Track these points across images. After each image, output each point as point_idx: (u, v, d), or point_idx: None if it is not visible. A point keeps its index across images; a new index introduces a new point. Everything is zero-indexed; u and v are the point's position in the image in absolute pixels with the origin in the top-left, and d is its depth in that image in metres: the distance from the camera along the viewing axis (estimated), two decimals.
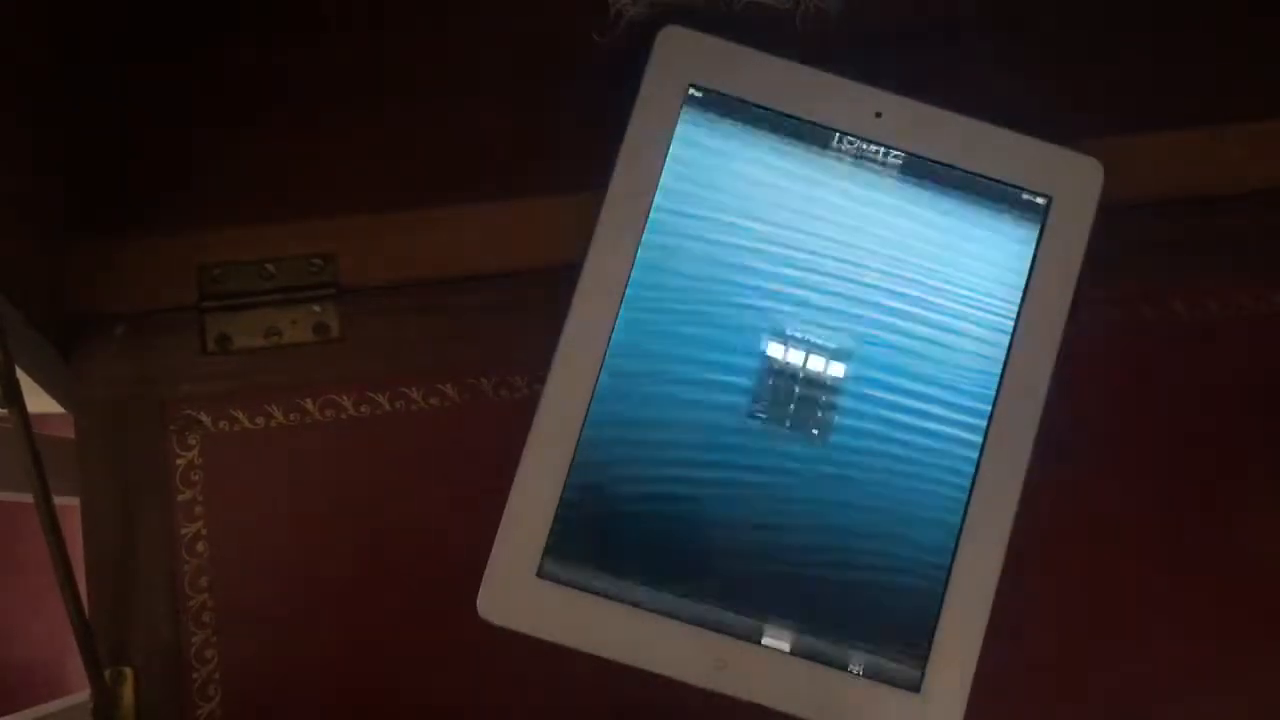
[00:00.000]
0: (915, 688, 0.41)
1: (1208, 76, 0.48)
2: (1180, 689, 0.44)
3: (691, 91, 0.44)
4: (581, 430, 0.42)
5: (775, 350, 0.43)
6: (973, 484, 0.42)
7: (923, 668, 0.41)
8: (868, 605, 0.41)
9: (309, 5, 0.47)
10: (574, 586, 0.41)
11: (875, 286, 0.43)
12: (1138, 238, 0.46)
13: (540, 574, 0.41)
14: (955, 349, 0.43)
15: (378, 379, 0.45)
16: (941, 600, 0.41)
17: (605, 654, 0.40)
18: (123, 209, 0.46)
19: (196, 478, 0.44)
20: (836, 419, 0.42)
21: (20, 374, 0.40)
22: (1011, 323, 0.43)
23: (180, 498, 0.44)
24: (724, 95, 0.44)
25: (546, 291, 0.43)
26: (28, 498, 0.41)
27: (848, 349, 0.43)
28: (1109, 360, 0.46)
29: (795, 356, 0.43)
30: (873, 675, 0.41)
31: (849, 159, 0.44)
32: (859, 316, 0.43)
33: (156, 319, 0.45)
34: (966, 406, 0.42)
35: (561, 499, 0.41)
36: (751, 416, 0.42)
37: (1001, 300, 0.43)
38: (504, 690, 0.43)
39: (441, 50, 0.47)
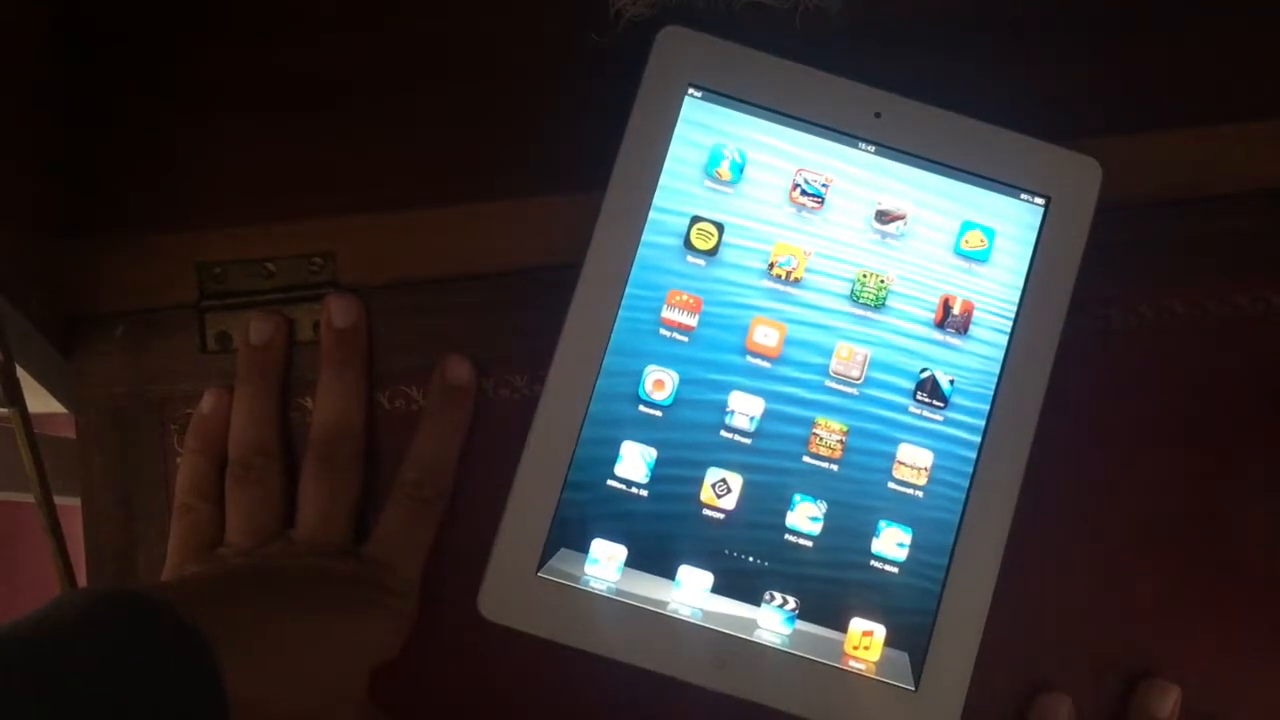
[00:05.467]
0: (913, 685, 0.41)
1: (1208, 76, 0.48)
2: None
3: (691, 91, 0.44)
4: (581, 429, 0.42)
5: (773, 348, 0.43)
6: (971, 483, 0.42)
7: (921, 666, 0.41)
8: (867, 603, 0.41)
9: (309, 5, 0.47)
10: (574, 585, 0.41)
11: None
12: (1137, 238, 0.46)
13: (541, 572, 0.41)
14: (955, 348, 0.43)
15: (377, 378, 0.45)
16: (939, 598, 0.41)
17: (606, 652, 0.40)
18: (123, 208, 0.46)
19: None
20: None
21: (21, 373, 0.40)
22: (1010, 323, 0.43)
23: None
24: (724, 95, 0.44)
25: (547, 291, 0.43)
26: (29, 497, 0.41)
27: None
28: (1108, 360, 0.46)
29: (794, 354, 0.43)
30: (871, 673, 0.41)
31: (849, 159, 0.44)
32: (857, 315, 0.43)
33: (157, 318, 0.45)
34: (965, 406, 0.42)
35: (562, 498, 0.41)
36: (751, 415, 0.42)
37: (1001, 300, 0.43)
38: (505, 689, 0.43)
39: (442, 50, 0.47)
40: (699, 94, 0.44)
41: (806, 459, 0.42)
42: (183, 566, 0.41)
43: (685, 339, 0.43)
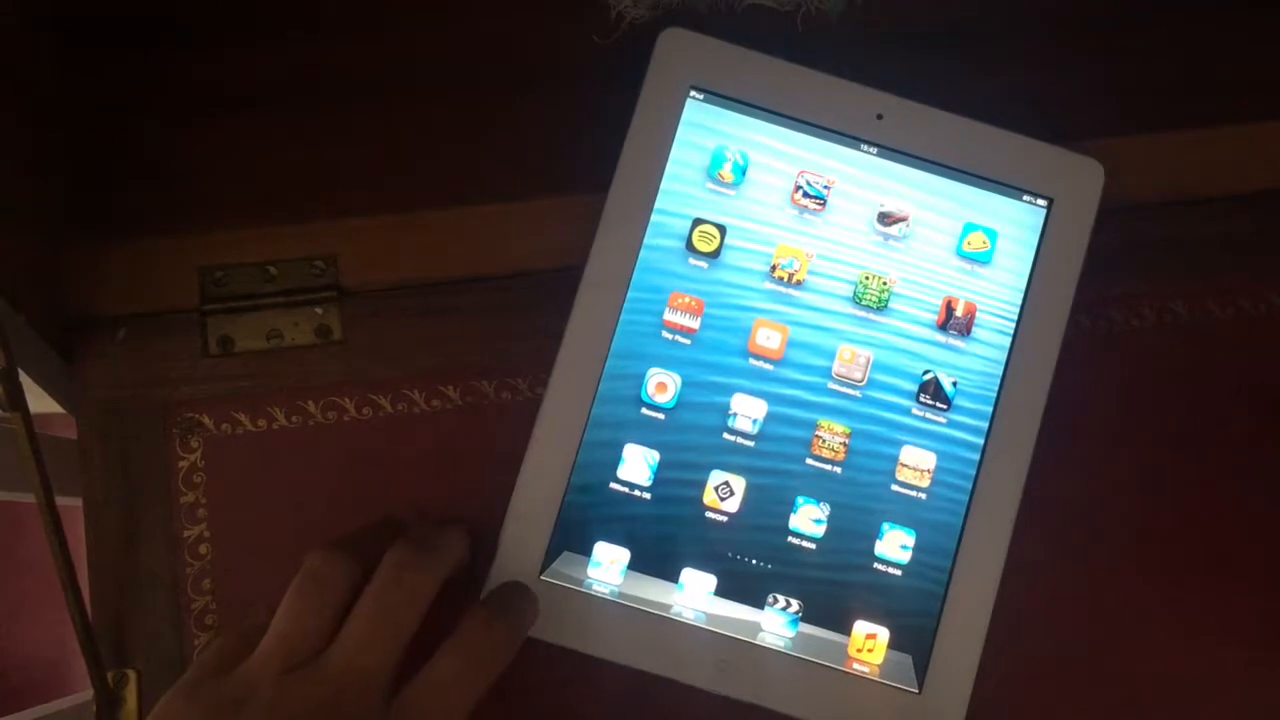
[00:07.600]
0: (917, 688, 0.41)
1: (1207, 76, 0.48)
2: (1181, 689, 0.44)
3: (693, 93, 0.44)
4: (584, 432, 0.42)
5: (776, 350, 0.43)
6: (974, 484, 0.42)
7: (925, 668, 0.41)
8: (869, 605, 0.41)
9: (310, 6, 0.47)
10: (577, 588, 0.41)
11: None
12: (1138, 238, 0.46)
13: (543, 576, 0.41)
14: (957, 350, 0.43)
15: (379, 381, 0.45)
16: (943, 600, 0.41)
17: (609, 656, 0.40)
18: (124, 211, 0.46)
19: (199, 480, 0.44)
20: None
21: (22, 376, 0.40)
22: (1013, 324, 0.43)
23: (183, 500, 0.44)
24: (726, 97, 0.44)
25: (549, 294, 0.43)
26: (30, 498, 0.41)
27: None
28: (1109, 360, 0.46)
29: (796, 356, 0.43)
30: (875, 676, 0.41)
31: (851, 161, 0.44)
32: (859, 317, 0.43)
33: (158, 321, 0.45)
34: (968, 408, 0.42)
35: (564, 500, 0.41)
36: (753, 418, 0.42)
37: (1003, 302, 0.43)
38: (507, 692, 0.43)
39: (442, 51, 0.47)
40: (701, 96, 0.44)
41: (809, 461, 0.42)
42: (199, 674, 0.37)
43: (687, 341, 0.43)
